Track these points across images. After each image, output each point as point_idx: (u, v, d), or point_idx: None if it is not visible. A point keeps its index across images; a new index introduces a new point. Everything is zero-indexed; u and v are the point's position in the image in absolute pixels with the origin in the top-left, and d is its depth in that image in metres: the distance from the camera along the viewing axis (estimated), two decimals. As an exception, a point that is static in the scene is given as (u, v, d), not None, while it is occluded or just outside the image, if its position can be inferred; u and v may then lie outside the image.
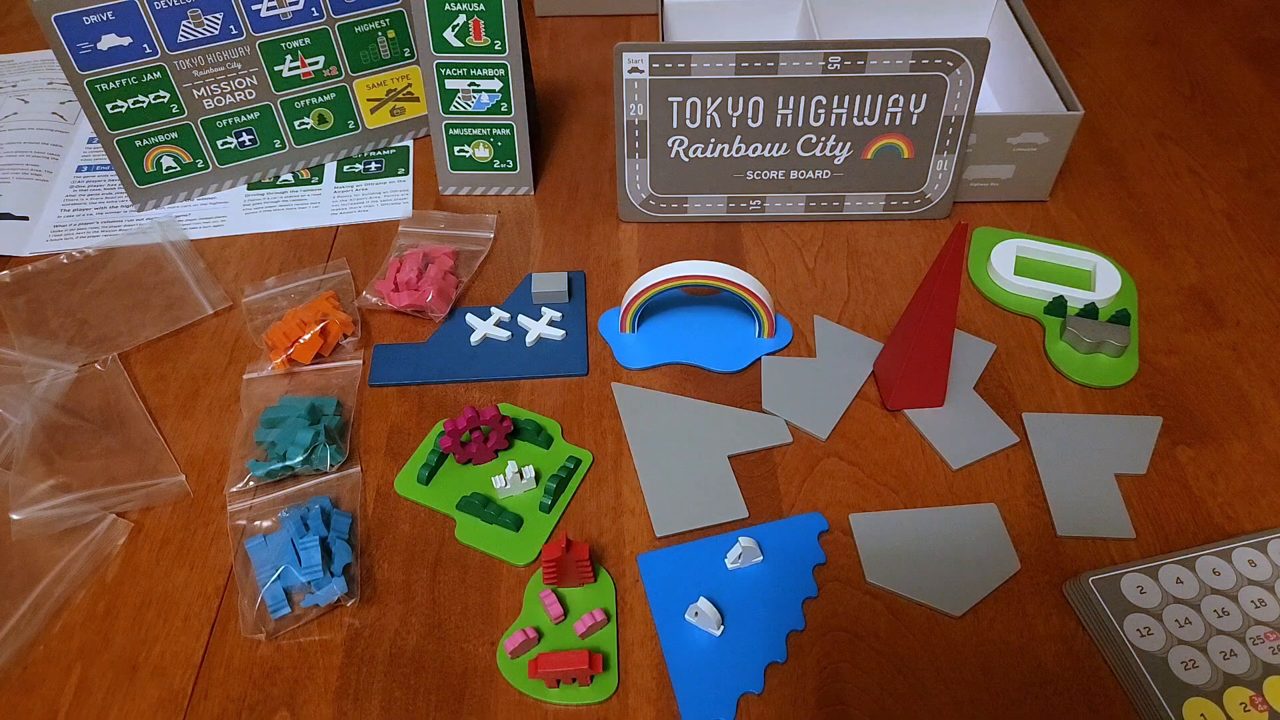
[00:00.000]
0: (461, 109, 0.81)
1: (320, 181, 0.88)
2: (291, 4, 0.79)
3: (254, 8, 0.78)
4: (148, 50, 0.77)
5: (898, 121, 0.76)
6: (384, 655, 0.56)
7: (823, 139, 0.77)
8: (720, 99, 0.74)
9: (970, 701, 0.54)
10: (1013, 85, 0.89)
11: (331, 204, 0.85)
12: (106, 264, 0.79)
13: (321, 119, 0.86)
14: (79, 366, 0.71)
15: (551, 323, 0.74)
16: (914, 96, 0.74)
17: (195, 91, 0.80)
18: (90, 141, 0.93)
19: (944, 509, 0.62)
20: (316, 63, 0.83)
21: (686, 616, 0.57)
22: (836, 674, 0.55)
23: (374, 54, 0.85)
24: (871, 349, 0.72)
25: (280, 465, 0.63)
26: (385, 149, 0.91)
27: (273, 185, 0.87)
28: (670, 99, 0.74)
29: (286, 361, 0.70)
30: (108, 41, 0.75)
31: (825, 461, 0.65)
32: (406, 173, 0.88)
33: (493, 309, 0.75)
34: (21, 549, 0.61)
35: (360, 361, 0.71)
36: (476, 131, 0.82)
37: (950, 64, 0.73)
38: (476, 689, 0.55)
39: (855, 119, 0.76)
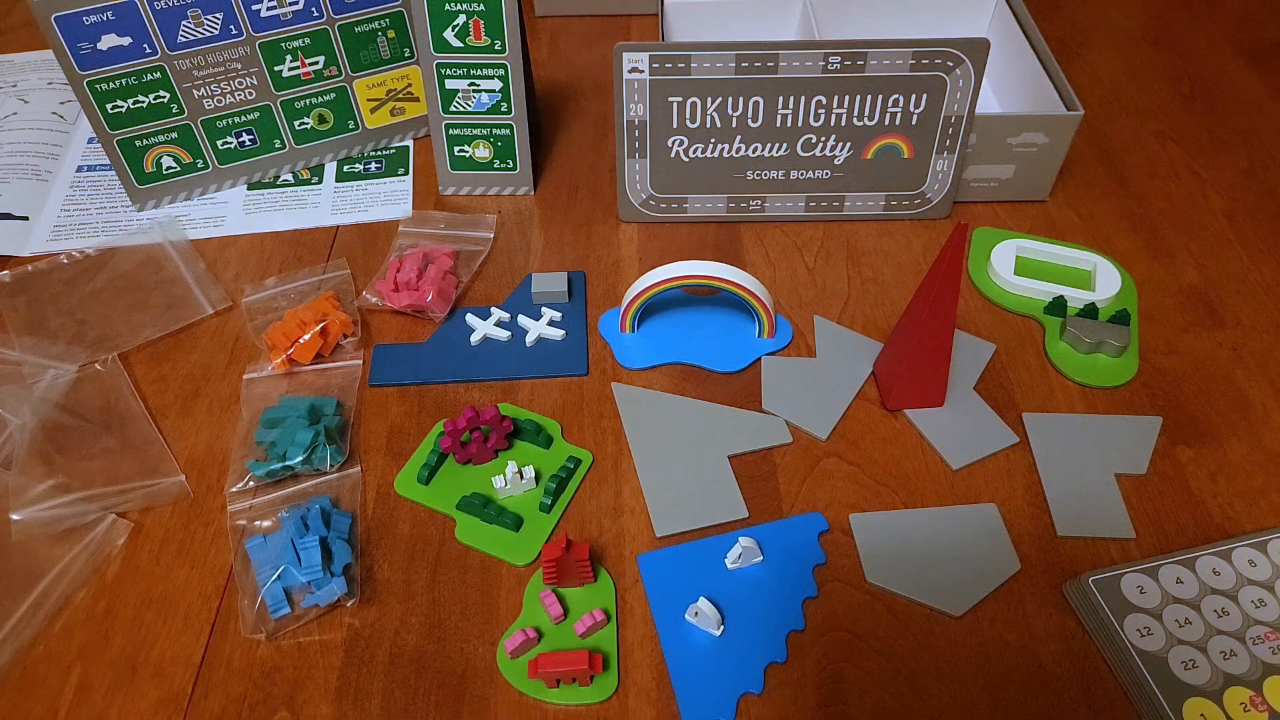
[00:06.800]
0: (461, 109, 0.81)
1: (320, 181, 0.88)
2: (291, 4, 0.79)
3: (254, 8, 0.78)
4: (148, 50, 0.77)
5: (898, 121, 0.76)
6: (384, 655, 0.56)
7: (823, 139, 0.77)
8: (720, 99, 0.74)
9: (970, 701, 0.54)
10: (1013, 85, 0.89)
11: (331, 204, 0.85)
12: (106, 264, 0.79)
13: (321, 119, 0.86)
14: (79, 366, 0.71)
15: (551, 323, 0.74)
16: (914, 96, 0.74)
17: (195, 91, 0.80)
18: (90, 141, 0.93)
19: (944, 509, 0.62)
20: (316, 63, 0.83)
21: (686, 616, 0.57)
22: (836, 674, 0.55)
23: (374, 54, 0.85)
24: (871, 349, 0.72)
25: (280, 465, 0.63)
26: (385, 149, 0.91)
27: (273, 185, 0.87)
28: (670, 99, 0.74)
29: (286, 361, 0.70)
30: (108, 41, 0.75)
31: (825, 461, 0.65)
32: (406, 173, 0.88)
33: (493, 309, 0.75)
34: (21, 549, 0.61)
35: (360, 361, 0.71)
36: (476, 131, 0.82)
37: (950, 64, 0.73)
38: (476, 689, 0.55)
39: (855, 119, 0.76)
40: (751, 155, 0.78)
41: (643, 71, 0.73)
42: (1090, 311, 0.73)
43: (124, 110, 0.79)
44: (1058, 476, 0.64)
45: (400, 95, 0.88)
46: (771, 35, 0.97)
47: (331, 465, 0.64)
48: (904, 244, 0.80)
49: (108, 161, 0.88)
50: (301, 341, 0.70)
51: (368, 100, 0.87)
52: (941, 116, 0.76)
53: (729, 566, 0.60)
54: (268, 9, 0.79)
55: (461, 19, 0.76)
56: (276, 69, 0.82)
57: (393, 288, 0.75)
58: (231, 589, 0.59)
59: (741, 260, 0.79)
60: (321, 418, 0.66)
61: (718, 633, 0.56)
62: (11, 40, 1.07)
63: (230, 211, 0.85)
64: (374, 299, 0.75)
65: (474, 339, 0.73)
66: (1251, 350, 0.72)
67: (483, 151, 0.83)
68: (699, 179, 0.79)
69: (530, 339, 0.73)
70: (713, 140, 0.77)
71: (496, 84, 0.79)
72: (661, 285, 0.69)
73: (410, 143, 0.91)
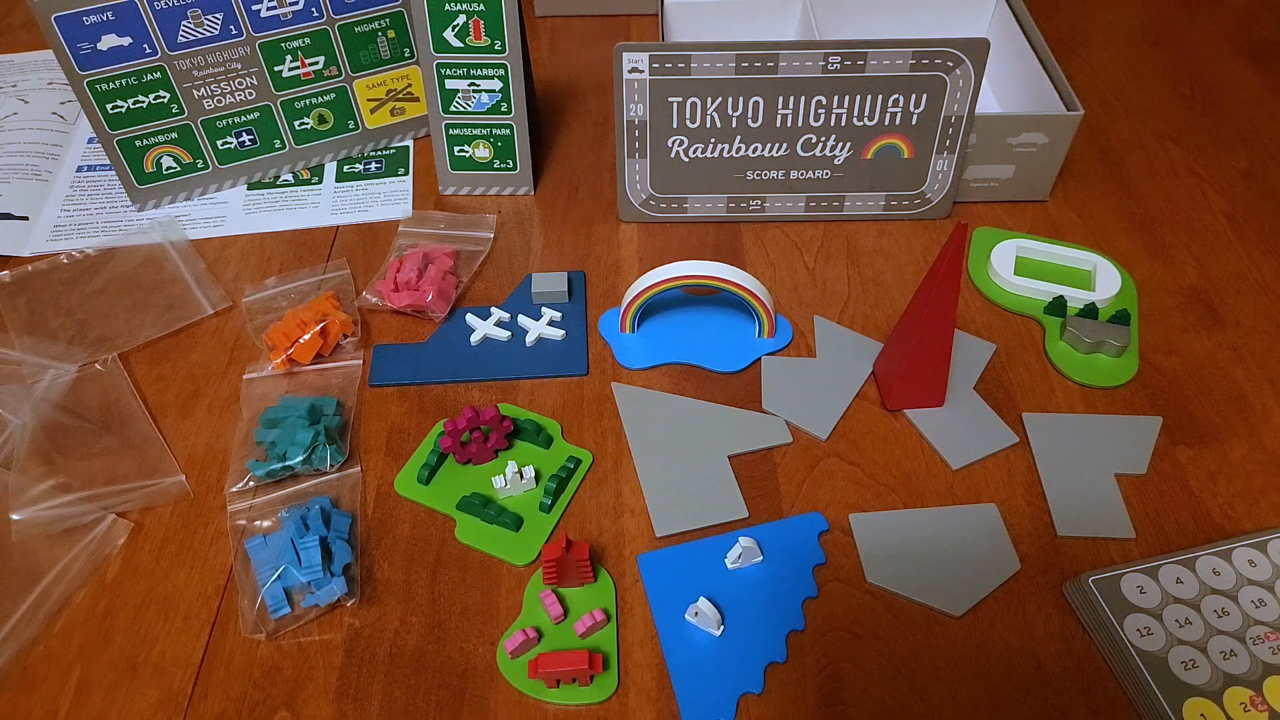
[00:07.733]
0: (461, 109, 0.81)
1: (320, 181, 0.88)
2: (291, 4, 0.79)
3: (254, 8, 0.78)
4: (148, 50, 0.77)
5: (898, 121, 0.76)
6: (384, 655, 0.56)
7: (823, 139, 0.77)
8: (720, 99, 0.74)
9: (970, 701, 0.54)
10: (1013, 85, 0.89)
11: (331, 204, 0.85)
12: (106, 264, 0.79)
13: (321, 119, 0.86)
14: (79, 366, 0.71)
15: (551, 323, 0.74)
16: (914, 96, 0.74)
17: (195, 91, 0.80)
18: (90, 141, 0.93)
19: (944, 509, 0.62)
20: (316, 63, 0.83)
21: (686, 616, 0.57)
22: (836, 674, 0.55)
23: (374, 54, 0.85)
24: (871, 349, 0.72)
25: (280, 465, 0.63)
26: (385, 149, 0.91)
27: (273, 185, 0.87)
28: (670, 99, 0.74)
29: (286, 361, 0.70)
30: (108, 41, 0.75)
31: (825, 461, 0.65)
32: (406, 173, 0.88)
33: (493, 309, 0.75)
34: (21, 549, 0.61)
35: (360, 361, 0.71)
36: (476, 131, 0.82)
37: (950, 64, 0.73)
38: (476, 689, 0.55)
39: (855, 119, 0.76)
40: (751, 155, 0.78)
41: (643, 71, 0.73)
42: (1090, 311, 0.73)
43: (124, 110, 0.79)
44: (1058, 476, 0.64)
45: (400, 95, 0.88)
46: (771, 35, 0.97)
47: (331, 465, 0.64)
48: (904, 244, 0.80)
49: (108, 161, 0.88)
50: (301, 341, 0.70)
51: (368, 100, 0.87)
52: (941, 116, 0.76)
53: (729, 566, 0.60)
54: (268, 9, 0.79)
55: (461, 19, 0.76)
56: (276, 69, 0.82)
57: (393, 288, 0.75)
58: (231, 589, 0.59)
59: (741, 260, 0.79)
60: (321, 418, 0.66)
61: (718, 633, 0.56)
62: (11, 40, 1.07)
63: (230, 211, 0.85)
64: (374, 299, 0.75)
65: (474, 339, 0.73)
66: (1251, 350, 0.72)
67: (483, 151, 0.83)
68: (699, 179, 0.79)
69: (530, 339, 0.73)
70: (713, 140, 0.77)
71: (496, 84, 0.79)
72: (661, 285, 0.69)
73: (410, 143, 0.91)
